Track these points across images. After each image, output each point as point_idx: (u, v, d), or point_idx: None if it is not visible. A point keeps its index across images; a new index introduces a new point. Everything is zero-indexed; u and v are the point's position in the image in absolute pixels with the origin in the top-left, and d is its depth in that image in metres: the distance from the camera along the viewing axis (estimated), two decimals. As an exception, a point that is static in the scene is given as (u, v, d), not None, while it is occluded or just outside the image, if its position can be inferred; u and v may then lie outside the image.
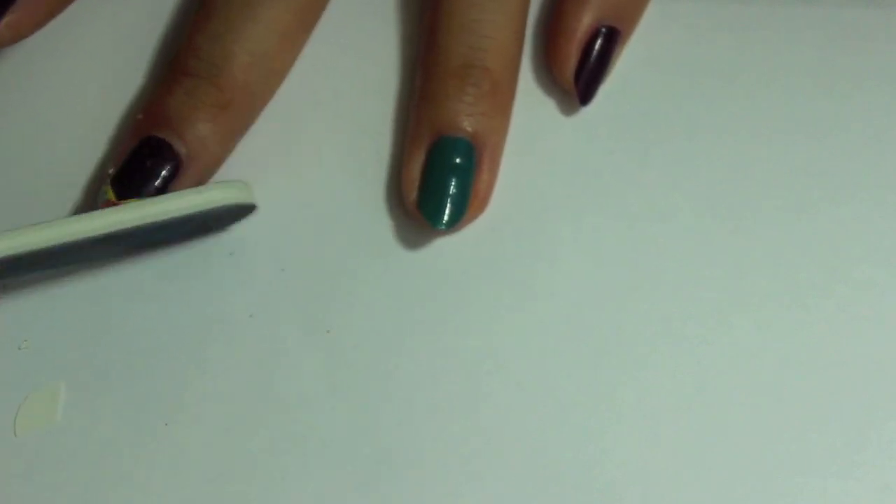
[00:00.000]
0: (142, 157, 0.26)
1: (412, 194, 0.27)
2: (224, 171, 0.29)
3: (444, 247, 0.28)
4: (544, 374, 0.26)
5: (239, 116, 0.28)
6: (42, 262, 0.26)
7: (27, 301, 0.27)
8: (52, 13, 0.27)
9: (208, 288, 0.27)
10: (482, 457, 0.25)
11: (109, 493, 0.25)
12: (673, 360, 0.26)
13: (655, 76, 0.29)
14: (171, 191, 0.26)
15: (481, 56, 0.27)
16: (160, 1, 0.31)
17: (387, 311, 0.27)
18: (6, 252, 0.24)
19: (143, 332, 0.27)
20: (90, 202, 0.28)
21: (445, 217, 0.27)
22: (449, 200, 0.27)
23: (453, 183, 0.27)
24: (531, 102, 0.29)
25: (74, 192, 0.29)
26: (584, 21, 0.28)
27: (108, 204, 0.26)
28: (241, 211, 0.27)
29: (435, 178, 0.27)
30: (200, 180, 0.27)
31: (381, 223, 0.28)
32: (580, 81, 0.28)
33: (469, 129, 0.27)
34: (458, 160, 0.27)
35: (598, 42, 0.28)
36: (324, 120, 0.29)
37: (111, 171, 0.27)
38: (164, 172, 0.26)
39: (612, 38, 0.28)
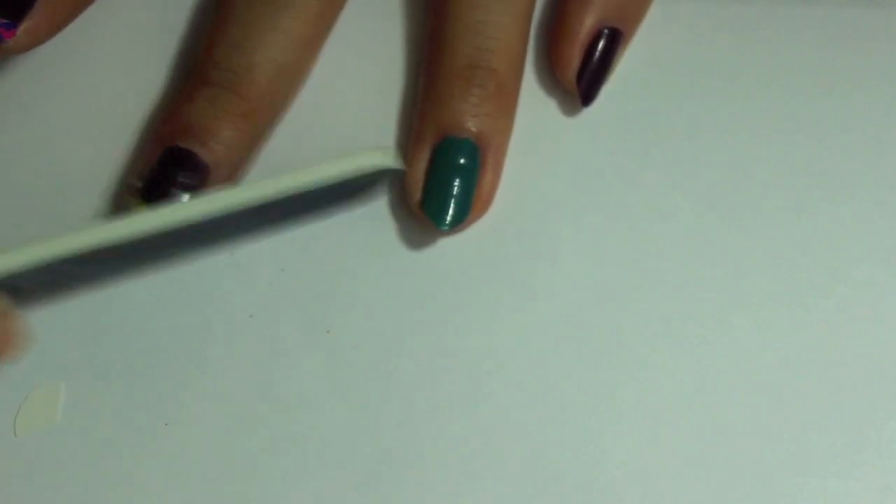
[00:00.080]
0: (166, 167, 0.26)
1: (416, 194, 0.27)
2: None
3: (445, 247, 0.28)
4: (544, 374, 0.26)
5: (261, 124, 0.28)
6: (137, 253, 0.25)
7: (27, 301, 0.27)
8: (68, 19, 0.27)
9: (208, 288, 0.27)
10: (482, 457, 0.25)
11: (109, 493, 0.25)
12: (673, 360, 0.26)
13: (657, 76, 0.29)
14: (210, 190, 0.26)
15: (487, 57, 0.27)
16: (176, 5, 0.31)
17: (387, 311, 0.27)
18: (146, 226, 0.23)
19: (144, 332, 0.27)
20: (114, 210, 0.28)
21: (449, 217, 0.27)
22: (453, 201, 0.27)
23: (457, 183, 0.27)
24: (533, 103, 0.29)
25: (93, 198, 0.28)
26: (587, 22, 0.28)
27: None
28: (382, 177, 0.27)
29: (439, 179, 0.27)
30: None
31: (382, 223, 0.28)
32: (582, 82, 0.28)
33: (474, 129, 0.27)
34: (462, 161, 0.27)
35: (601, 43, 0.28)
36: (328, 119, 0.29)
37: (137, 182, 0.27)
38: (190, 182, 0.26)
39: (614, 39, 0.28)
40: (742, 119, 0.29)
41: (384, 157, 0.25)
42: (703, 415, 0.26)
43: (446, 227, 0.27)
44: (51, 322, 0.27)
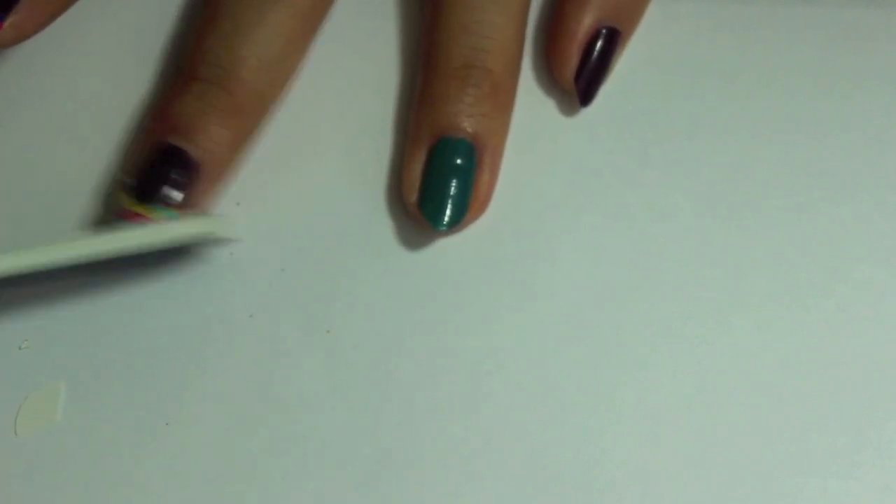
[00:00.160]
0: (156, 164, 0.26)
1: (413, 195, 0.27)
2: (224, 171, 0.28)
3: (444, 247, 0.28)
4: (544, 374, 0.26)
5: (250, 120, 0.28)
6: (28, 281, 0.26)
7: (27, 301, 0.27)
8: (55, 14, 0.27)
9: (208, 288, 0.27)
10: (482, 457, 0.25)
11: (109, 493, 0.25)
12: (673, 360, 0.26)
13: (655, 76, 0.29)
14: (188, 196, 0.26)
15: (482, 57, 0.27)
16: (165, 1, 0.31)
17: (387, 311, 0.27)
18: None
19: (143, 332, 0.27)
20: (104, 208, 0.28)
21: (446, 218, 0.27)
22: (450, 201, 0.27)
23: (454, 184, 0.27)
24: (531, 103, 0.29)
25: (83, 197, 0.28)
26: (585, 22, 0.28)
27: (126, 212, 0.26)
28: (212, 242, 0.27)
29: (436, 179, 0.27)
30: (216, 184, 0.27)
31: (381, 223, 0.28)
32: (581, 82, 0.28)
33: (470, 130, 0.27)
34: (458, 161, 0.27)
35: (599, 43, 0.28)
36: (324, 120, 0.29)
37: (126, 179, 0.27)
38: (180, 178, 0.26)
39: (612, 38, 0.28)
40: (742, 119, 0.29)
41: (208, 224, 0.26)
42: (703, 415, 0.26)
43: (443, 228, 0.27)
44: (51, 322, 0.27)
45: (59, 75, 0.30)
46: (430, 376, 0.26)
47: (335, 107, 0.29)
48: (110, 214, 0.28)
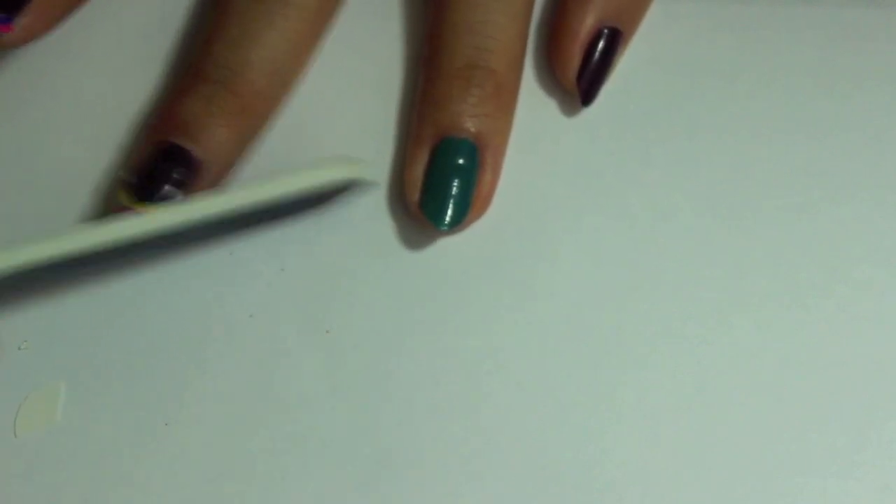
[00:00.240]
0: (158, 163, 0.26)
1: (415, 195, 0.27)
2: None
3: (445, 247, 0.28)
4: (544, 374, 0.26)
5: (255, 122, 0.28)
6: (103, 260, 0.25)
7: (27, 301, 0.27)
8: (64, 15, 0.27)
9: (208, 288, 0.27)
10: (482, 457, 0.25)
11: (109, 493, 0.25)
12: (673, 360, 0.26)
13: (657, 76, 0.29)
14: (188, 196, 0.26)
15: (485, 57, 0.27)
16: (173, 2, 0.31)
17: (387, 311, 0.27)
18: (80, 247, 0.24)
19: (143, 332, 0.27)
20: (106, 206, 0.28)
21: (448, 218, 0.27)
22: (451, 201, 0.27)
23: (456, 184, 0.27)
24: (533, 103, 0.29)
25: (88, 197, 0.28)
26: (587, 22, 0.28)
27: (122, 209, 0.26)
28: (350, 187, 0.27)
29: (438, 179, 0.27)
30: (216, 185, 0.27)
31: (382, 223, 0.28)
32: (582, 82, 0.28)
33: (472, 130, 0.27)
34: (461, 161, 0.27)
35: (601, 43, 0.28)
36: (326, 120, 0.29)
37: (126, 176, 0.26)
38: (180, 178, 0.26)
39: (614, 38, 0.28)
40: (742, 119, 0.29)
41: (352, 169, 0.26)
42: (703, 415, 0.26)
43: (445, 228, 0.27)
44: (51, 322, 0.27)
45: (65, 76, 0.30)
46: (430, 376, 0.26)
47: (337, 106, 0.29)
48: (110, 211, 0.28)
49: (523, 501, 0.25)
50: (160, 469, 0.26)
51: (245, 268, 0.28)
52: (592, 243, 0.28)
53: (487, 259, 0.27)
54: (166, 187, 0.26)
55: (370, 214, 0.28)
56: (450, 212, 0.27)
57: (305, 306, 0.27)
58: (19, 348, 0.27)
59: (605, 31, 0.28)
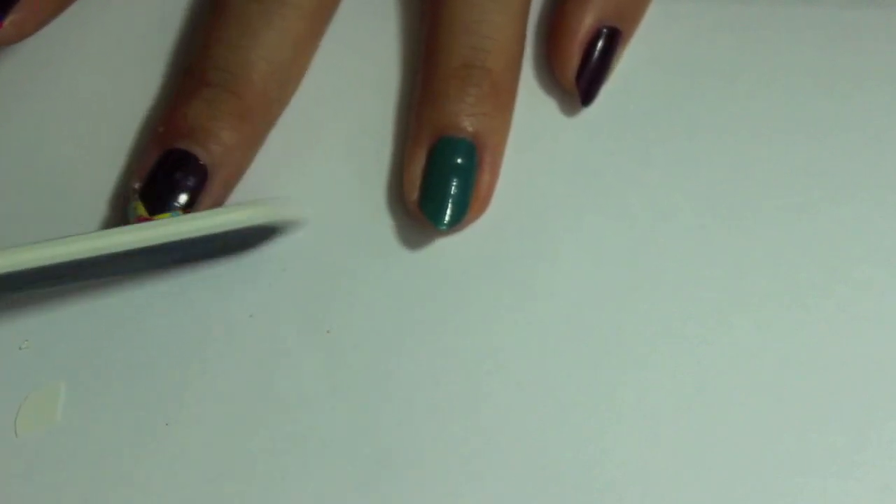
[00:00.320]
0: (167, 170, 0.26)
1: (413, 194, 0.27)
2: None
3: (445, 247, 0.28)
4: (544, 374, 0.26)
5: (259, 124, 0.28)
6: (66, 274, 0.25)
7: (27, 301, 0.27)
8: (55, 12, 0.27)
9: (208, 288, 0.27)
10: (482, 457, 0.25)
11: (109, 493, 0.25)
12: (673, 360, 0.26)
13: (656, 76, 0.29)
14: (199, 201, 0.26)
15: (482, 57, 0.27)
16: (171, 2, 0.31)
17: (387, 311, 0.27)
18: (35, 263, 0.24)
19: (144, 332, 0.27)
20: (118, 215, 0.28)
21: (447, 217, 0.27)
22: (450, 201, 0.27)
23: (455, 183, 0.27)
24: (532, 102, 0.29)
25: (85, 198, 0.28)
26: (586, 21, 0.28)
27: (141, 219, 0.26)
28: (270, 231, 0.27)
29: (436, 179, 0.27)
30: (227, 189, 0.27)
31: (381, 223, 0.28)
32: (582, 82, 0.28)
33: (470, 129, 0.27)
34: (459, 160, 0.27)
35: (600, 42, 0.28)
36: (325, 120, 0.29)
37: (137, 184, 0.27)
38: (190, 184, 0.26)
39: (613, 38, 0.28)
40: (742, 119, 0.29)
41: (268, 212, 0.26)
42: (703, 415, 0.26)
43: (444, 228, 0.27)
44: (51, 322, 0.27)
45: (61, 74, 0.30)
46: (430, 376, 0.26)
47: (335, 106, 0.29)
48: (114, 215, 0.28)
49: (523, 501, 0.25)
50: (160, 469, 0.26)
51: (245, 268, 0.28)
52: (592, 243, 0.28)
53: (487, 259, 0.27)
54: (175, 194, 0.26)
55: (370, 214, 0.28)
56: (449, 211, 0.27)
57: (305, 306, 0.27)
58: (19, 348, 0.27)
59: (605, 30, 0.28)
